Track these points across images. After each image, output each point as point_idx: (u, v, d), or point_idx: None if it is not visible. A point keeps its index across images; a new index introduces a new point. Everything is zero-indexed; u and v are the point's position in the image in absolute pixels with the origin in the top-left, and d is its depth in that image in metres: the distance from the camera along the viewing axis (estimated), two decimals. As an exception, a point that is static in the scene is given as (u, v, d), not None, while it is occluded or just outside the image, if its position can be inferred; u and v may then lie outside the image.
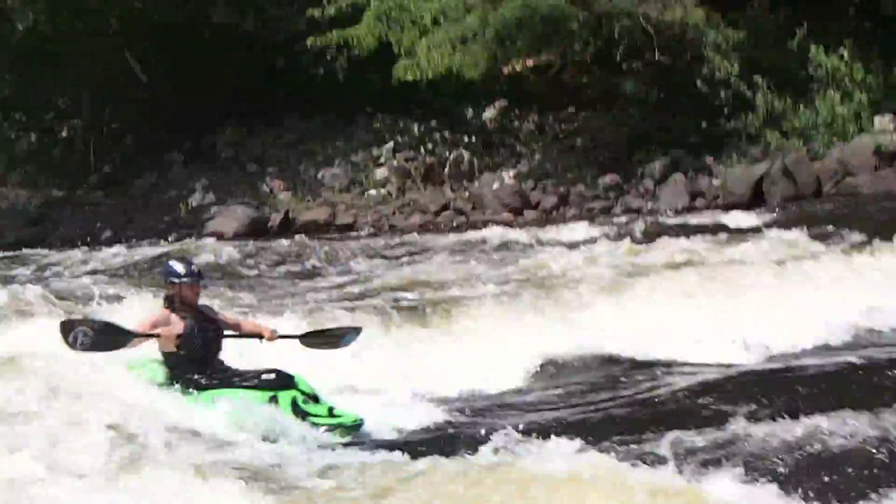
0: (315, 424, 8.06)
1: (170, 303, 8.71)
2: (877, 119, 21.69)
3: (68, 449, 6.73)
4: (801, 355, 10.22)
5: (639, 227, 18.38)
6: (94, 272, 17.41)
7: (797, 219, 17.74)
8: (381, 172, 24.82)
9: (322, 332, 9.60)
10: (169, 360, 8.61)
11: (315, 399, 8.29)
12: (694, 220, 19.29)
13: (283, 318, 10.91)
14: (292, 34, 25.33)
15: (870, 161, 20.73)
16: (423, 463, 6.74)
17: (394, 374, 9.93)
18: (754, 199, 20.77)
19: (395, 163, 24.88)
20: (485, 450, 6.94)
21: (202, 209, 24.53)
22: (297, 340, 9.22)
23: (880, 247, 13.83)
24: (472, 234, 19.06)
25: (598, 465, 6.24)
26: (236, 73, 26.83)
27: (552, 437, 7.07)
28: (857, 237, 15.05)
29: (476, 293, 12.62)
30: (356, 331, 9.55)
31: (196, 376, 8.46)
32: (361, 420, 8.20)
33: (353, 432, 8.11)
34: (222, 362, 8.72)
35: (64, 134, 28.84)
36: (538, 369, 10.30)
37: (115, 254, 19.74)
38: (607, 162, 23.32)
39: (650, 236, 17.02)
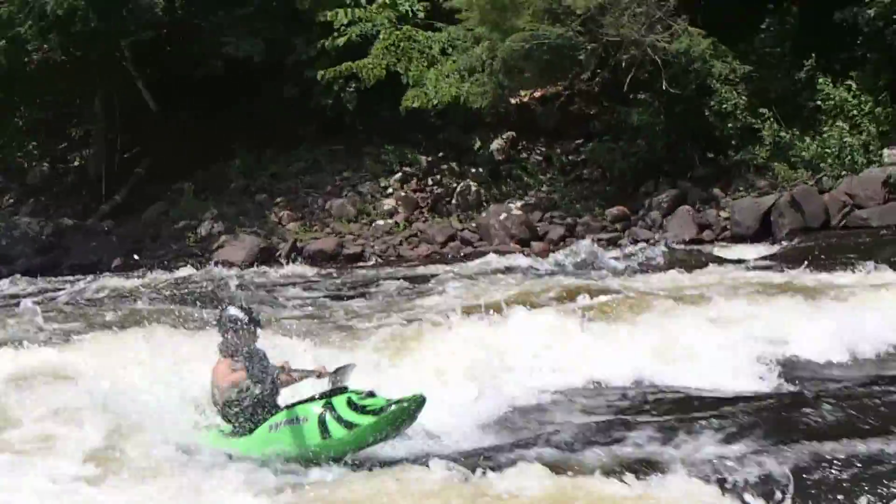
0: (376, 411, 7.94)
1: (228, 352, 8.56)
2: (886, 151, 21.16)
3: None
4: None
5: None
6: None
7: (804, 251, 17.35)
8: (388, 203, 24.74)
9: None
10: (228, 408, 8.47)
11: (371, 394, 8.15)
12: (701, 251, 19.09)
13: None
14: (302, 65, 25.32)
15: (879, 193, 20.20)
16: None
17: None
18: (762, 230, 20.41)
19: (402, 193, 24.85)
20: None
21: (211, 238, 24.49)
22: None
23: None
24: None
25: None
26: (247, 104, 26.81)
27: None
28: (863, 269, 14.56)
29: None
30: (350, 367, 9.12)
31: (251, 416, 8.39)
32: (423, 396, 8.00)
33: (418, 409, 7.98)
34: (279, 405, 8.54)
35: (76, 163, 28.90)
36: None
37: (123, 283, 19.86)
38: (615, 193, 23.14)
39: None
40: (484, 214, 23.35)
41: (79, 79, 27.13)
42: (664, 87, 21.74)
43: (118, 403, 8.74)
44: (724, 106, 21.95)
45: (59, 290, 19.73)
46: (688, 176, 22.66)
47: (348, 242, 23.66)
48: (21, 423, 8.67)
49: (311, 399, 8.21)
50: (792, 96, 22.35)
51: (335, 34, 24.53)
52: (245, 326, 8.53)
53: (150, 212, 26.03)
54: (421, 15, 24.73)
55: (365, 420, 7.92)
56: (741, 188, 21.98)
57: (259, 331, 8.69)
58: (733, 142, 22.29)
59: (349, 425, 7.94)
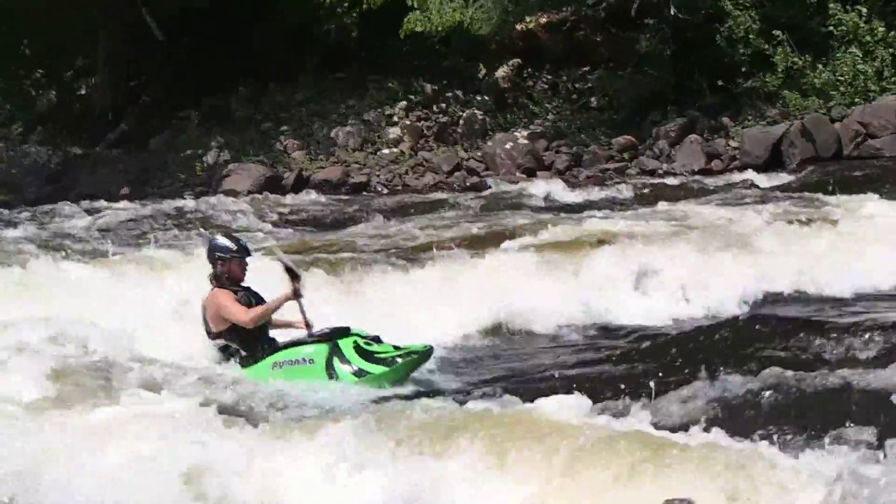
0: (386, 360, 8.04)
1: (217, 279, 8.64)
2: (900, 78, 20.86)
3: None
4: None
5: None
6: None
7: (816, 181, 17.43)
8: (393, 132, 24.33)
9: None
10: (224, 339, 8.54)
11: (377, 340, 8.24)
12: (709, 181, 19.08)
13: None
14: None
15: (893, 121, 19.90)
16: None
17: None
18: (772, 160, 20.08)
19: (407, 122, 24.43)
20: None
21: (217, 167, 24.09)
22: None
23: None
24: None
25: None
26: (250, 31, 26.32)
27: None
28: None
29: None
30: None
31: (251, 350, 8.44)
32: (431, 347, 8.19)
33: (425, 360, 8.17)
34: (273, 338, 8.64)
35: (83, 92, 28.60)
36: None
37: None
38: (622, 122, 22.76)
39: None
40: (490, 143, 22.98)
41: (84, 7, 26.36)
42: (672, 13, 21.41)
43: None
44: (736, 31, 21.39)
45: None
46: (696, 105, 22.30)
47: (354, 171, 23.25)
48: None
49: (317, 340, 8.26)
50: (803, 22, 21.75)
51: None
52: (235, 255, 8.60)
53: (157, 141, 25.64)
54: (425, -63, 24.15)
55: (376, 370, 8.01)
56: (751, 117, 21.62)
57: (248, 260, 8.74)
58: (743, 69, 21.84)
59: (359, 373, 8.03)
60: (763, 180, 18.69)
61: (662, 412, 6.57)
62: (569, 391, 6.89)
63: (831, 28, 21.43)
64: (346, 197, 21.41)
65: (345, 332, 8.24)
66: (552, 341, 9.84)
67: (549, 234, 13.03)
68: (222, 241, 8.80)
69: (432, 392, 7.81)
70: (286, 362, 8.20)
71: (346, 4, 24.12)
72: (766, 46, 21.43)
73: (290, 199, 21.06)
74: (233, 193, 22.06)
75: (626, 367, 8.18)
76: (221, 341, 8.49)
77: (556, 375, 8.06)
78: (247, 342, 8.43)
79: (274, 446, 6.19)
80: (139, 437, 6.20)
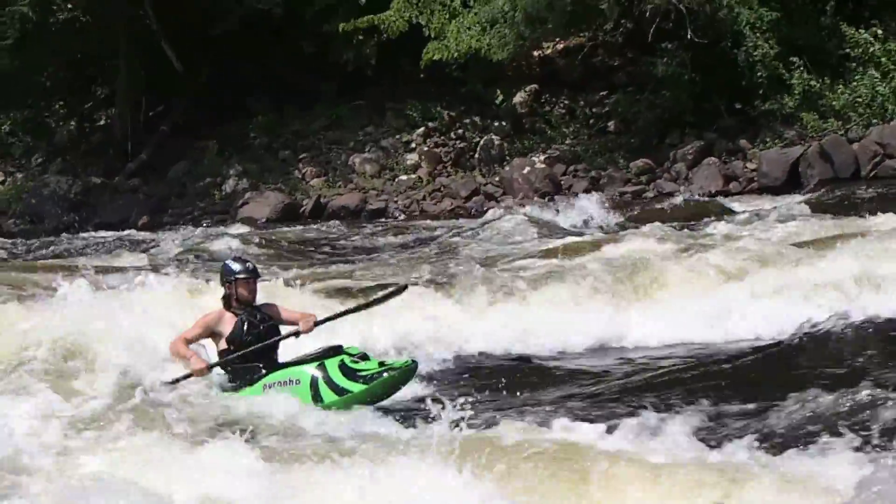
0: (366, 377, 8.05)
1: (226, 301, 8.72)
2: (918, 99, 20.72)
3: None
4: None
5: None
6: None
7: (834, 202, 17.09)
8: (411, 158, 24.47)
9: (367, 303, 9.30)
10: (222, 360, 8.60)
11: (365, 357, 8.27)
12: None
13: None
14: (321, 18, 24.98)
15: None
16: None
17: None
18: (790, 182, 19.83)
19: (425, 148, 24.58)
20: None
21: (236, 195, 24.37)
22: (345, 316, 9.04)
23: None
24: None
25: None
26: (267, 60, 26.59)
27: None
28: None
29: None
30: (402, 289, 9.42)
31: (246, 371, 8.45)
32: (414, 363, 8.22)
33: (409, 376, 8.17)
34: (275, 360, 8.61)
35: (102, 122, 28.84)
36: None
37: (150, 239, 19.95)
38: (639, 145, 22.63)
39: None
40: (507, 168, 23.00)
41: (103, 38, 26.97)
42: (689, 37, 21.15)
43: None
44: (753, 54, 21.20)
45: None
46: (713, 127, 22.16)
47: (372, 198, 23.43)
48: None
49: (306, 361, 8.29)
50: (819, 44, 21.60)
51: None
52: (239, 277, 8.65)
53: (176, 169, 25.89)
54: (442, -35, 24.15)
55: (356, 388, 8.02)
56: (768, 139, 21.43)
57: (258, 283, 8.80)
58: (760, 91, 21.62)
59: (340, 391, 8.04)
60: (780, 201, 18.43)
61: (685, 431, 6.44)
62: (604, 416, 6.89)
63: (848, 50, 21.29)
64: (364, 223, 21.45)
65: (336, 350, 8.28)
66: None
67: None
68: (229, 263, 8.88)
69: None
70: (276, 384, 8.23)
71: (360, 37, 24.14)
72: (783, 69, 21.27)
73: (307, 226, 21.24)
74: (251, 221, 22.56)
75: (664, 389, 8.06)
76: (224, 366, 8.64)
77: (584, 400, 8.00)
78: (241, 368, 8.47)
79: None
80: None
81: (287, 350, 8.70)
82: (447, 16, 23.15)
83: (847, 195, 17.68)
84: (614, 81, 23.97)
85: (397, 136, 25.05)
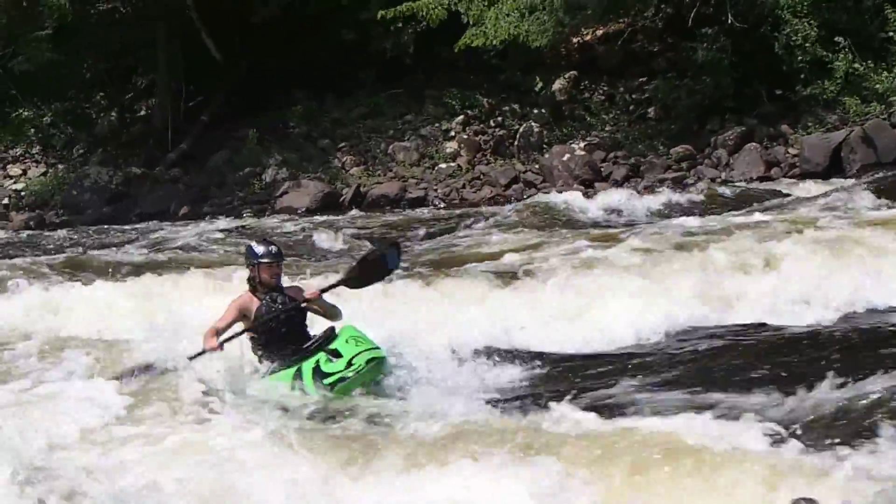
0: (332, 385, 8.10)
1: (251, 284, 8.70)
2: (964, 82, 20.65)
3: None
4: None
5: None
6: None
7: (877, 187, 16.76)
8: (450, 146, 24.49)
9: (359, 264, 9.35)
10: (256, 343, 8.62)
11: (338, 354, 8.21)
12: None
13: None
14: (359, 7, 25.05)
15: None
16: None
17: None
18: (832, 167, 19.84)
19: (464, 136, 24.56)
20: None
21: (275, 184, 24.38)
22: (342, 287, 9.06)
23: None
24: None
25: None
26: (306, 48, 26.61)
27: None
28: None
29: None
30: (395, 246, 9.48)
31: (279, 354, 8.46)
32: (375, 357, 8.18)
33: (378, 370, 8.20)
34: (306, 338, 8.60)
35: (142, 113, 28.96)
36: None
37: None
38: (679, 131, 22.61)
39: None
40: (546, 155, 22.97)
41: (143, 28, 27.07)
42: (730, 21, 21.19)
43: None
44: (794, 38, 21.22)
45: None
46: (754, 112, 22.12)
47: (411, 186, 23.45)
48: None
49: (297, 357, 8.35)
50: (861, 27, 21.53)
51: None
52: (262, 261, 8.60)
53: (216, 159, 25.96)
54: (480, -48, 24.17)
55: (316, 394, 8.08)
56: (810, 124, 21.45)
57: (282, 264, 8.82)
58: (801, 76, 21.60)
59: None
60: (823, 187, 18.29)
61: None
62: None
63: (891, 34, 21.21)
64: (404, 211, 21.57)
65: (326, 341, 8.32)
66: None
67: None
68: (252, 246, 8.81)
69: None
70: (275, 381, 8.31)
71: (399, 24, 24.15)
72: (825, 53, 21.27)
73: (348, 214, 21.31)
74: (291, 210, 22.62)
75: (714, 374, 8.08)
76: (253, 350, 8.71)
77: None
78: (271, 346, 8.53)
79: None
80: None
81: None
82: (486, 2, 23.11)
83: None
84: (654, 67, 23.94)
85: (436, 125, 25.09)
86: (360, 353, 8.15)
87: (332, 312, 8.72)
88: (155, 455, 6.40)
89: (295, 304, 8.56)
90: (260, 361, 8.52)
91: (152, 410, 7.38)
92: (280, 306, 8.51)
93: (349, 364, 8.08)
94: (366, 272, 9.10)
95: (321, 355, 8.18)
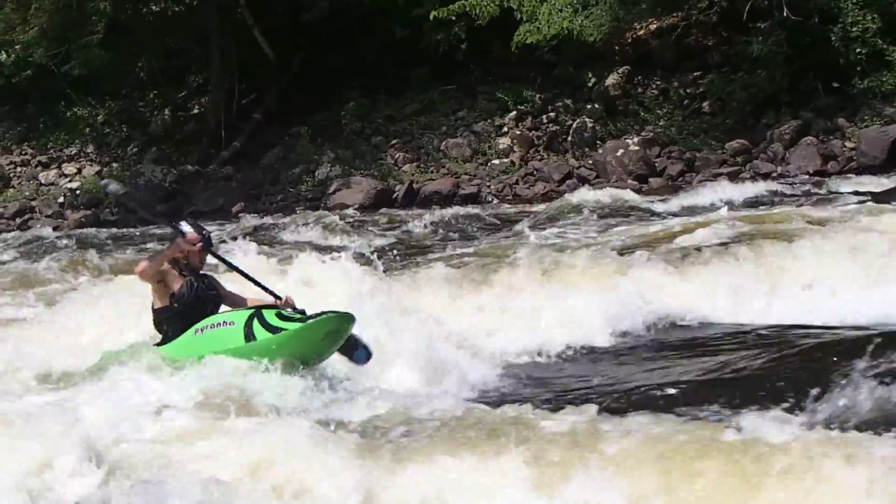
0: (299, 319, 7.99)
1: (175, 262, 8.51)
2: None
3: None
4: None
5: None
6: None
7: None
8: (503, 142, 24.59)
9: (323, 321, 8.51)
10: (159, 315, 8.52)
11: (302, 312, 8.14)
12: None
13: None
14: (412, 3, 25.16)
15: None
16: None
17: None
18: (890, 160, 19.81)
19: (517, 132, 24.65)
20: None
21: (328, 181, 24.58)
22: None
23: None
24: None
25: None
26: (357, 47, 26.87)
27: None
28: None
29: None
30: (366, 350, 8.70)
31: (183, 330, 8.38)
32: (352, 315, 8.04)
33: (346, 325, 8.03)
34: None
35: (195, 111, 29.17)
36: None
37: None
38: (734, 126, 22.72)
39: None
40: (600, 151, 23.11)
41: (195, 28, 27.39)
42: (785, 14, 21.11)
43: None
44: (851, 31, 21.20)
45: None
46: (810, 106, 22.14)
47: (464, 183, 23.60)
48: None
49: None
50: None
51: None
52: (186, 236, 8.41)
53: (269, 157, 26.22)
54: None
55: (290, 326, 7.96)
56: (867, 117, 21.39)
57: (208, 251, 8.60)
58: (859, 69, 21.57)
59: (274, 329, 7.97)
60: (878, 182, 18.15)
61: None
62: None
63: None
64: (458, 208, 21.37)
65: (273, 305, 8.31)
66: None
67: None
68: (184, 226, 8.59)
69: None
70: (207, 327, 8.21)
71: (453, 19, 24.20)
72: (884, 45, 21.25)
73: (401, 211, 21.36)
74: (343, 207, 22.57)
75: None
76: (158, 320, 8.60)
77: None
78: (176, 323, 8.43)
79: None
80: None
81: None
82: None
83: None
84: (708, 62, 24.01)
85: (489, 120, 25.19)
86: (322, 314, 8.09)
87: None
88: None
89: (215, 294, 8.54)
90: (162, 333, 8.54)
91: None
92: (206, 288, 8.49)
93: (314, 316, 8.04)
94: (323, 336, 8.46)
95: (280, 309, 8.16)
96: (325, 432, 6.37)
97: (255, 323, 8.01)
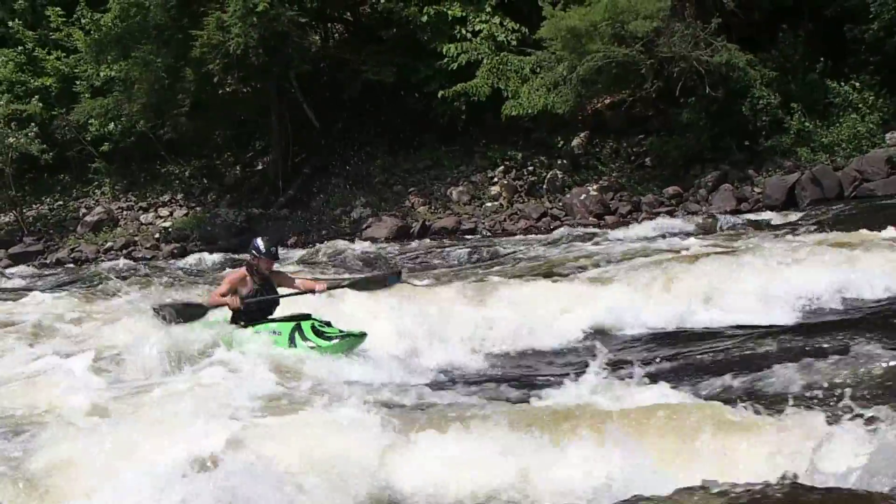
0: (332, 338, 8.20)
1: (249, 268, 8.81)
2: (888, 135, 20.70)
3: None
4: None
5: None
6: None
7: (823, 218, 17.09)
8: (494, 189, 24.56)
9: (367, 279, 9.63)
10: (232, 314, 8.90)
11: (328, 324, 8.39)
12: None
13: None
14: (423, 84, 25.29)
15: (883, 169, 19.65)
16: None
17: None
18: (788, 202, 19.98)
19: (505, 181, 24.62)
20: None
21: (361, 220, 24.65)
22: (346, 289, 9.29)
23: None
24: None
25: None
26: (383, 116, 26.87)
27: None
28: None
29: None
30: (398, 275, 9.62)
31: (252, 321, 8.76)
32: (365, 333, 8.23)
33: (360, 342, 8.19)
34: (272, 315, 8.96)
35: (259, 167, 29.17)
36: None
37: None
38: (670, 176, 22.68)
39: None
40: (568, 196, 23.08)
41: (259, 103, 27.38)
42: (707, 92, 21.29)
43: None
44: (757, 104, 21.41)
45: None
46: (727, 160, 22.13)
47: (464, 220, 23.60)
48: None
49: (288, 319, 8.53)
50: (810, 94, 21.72)
51: (448, 59, 24.41)
52: (262, 255, 8.69)
53: (316, 202, 26.23)
54: (514, 43, 24.39)
55: (323, 343, 8.25)
56: (771, 169, 21.44)
57: (276, 262, 8.90)
58: (763, 132, 21.73)
59: (309, 341, 8.32)
60: (780, 218, 18.36)
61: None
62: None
63: (832, 99, 21.41)
64: (459, 240, 21.77)
65: (307, 316, 8.45)
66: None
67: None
68: (257, 241, 8.84)
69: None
70: (264, 331, 8.46)
71: (456, 96, 24.23)
72: (782, 115, 21.37)
73: (415, 243, 21.80)
74: (373, 239, 22.81)
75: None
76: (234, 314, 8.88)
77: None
78: (245, 319, 8.75)
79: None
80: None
81: (284, 309, 8.96)
82: (520, 81, 23.37)
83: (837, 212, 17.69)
84: (649, 127, 23.90)
85: (483, 173, 25.11)
86: (347, 330, 8.30)
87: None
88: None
89: (275, 297, 8.85)
90: (235, 322, 8.77)
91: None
92: (266, 291, 8.76)
93: (340, 332, 8.26)
94: (370, 285, 9.34)
95: (314, 321, 8.30)
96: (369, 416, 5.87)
97: (297, 336, 8.29)
